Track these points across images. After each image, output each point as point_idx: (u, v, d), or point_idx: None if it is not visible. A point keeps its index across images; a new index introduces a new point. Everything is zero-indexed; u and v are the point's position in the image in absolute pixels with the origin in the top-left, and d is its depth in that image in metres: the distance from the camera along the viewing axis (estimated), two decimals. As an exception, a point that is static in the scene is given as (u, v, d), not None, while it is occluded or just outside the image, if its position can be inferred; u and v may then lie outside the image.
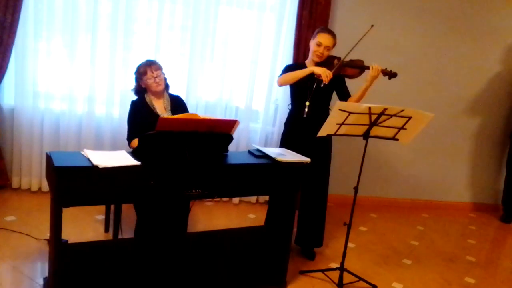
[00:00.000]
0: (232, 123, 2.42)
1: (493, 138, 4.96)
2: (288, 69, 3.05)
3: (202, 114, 3.67)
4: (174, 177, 2.22)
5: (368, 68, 2.85)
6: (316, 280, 2.93)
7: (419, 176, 4.80)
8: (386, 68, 2.84)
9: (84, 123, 3.80)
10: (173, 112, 2.92)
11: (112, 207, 3.20)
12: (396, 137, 2.69)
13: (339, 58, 2.98)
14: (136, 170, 2.10)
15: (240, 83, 4.08)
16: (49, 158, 2.08)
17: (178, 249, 2.35)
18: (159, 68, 2.87)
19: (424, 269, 3.35)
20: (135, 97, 2.98)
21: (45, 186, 3.80)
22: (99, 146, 3.87)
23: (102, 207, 3.67)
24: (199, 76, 3.96)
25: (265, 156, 2.60)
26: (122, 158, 2.15)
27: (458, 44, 4.58)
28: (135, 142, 2.77)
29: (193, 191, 2.29)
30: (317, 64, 2.98)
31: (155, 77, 2.83)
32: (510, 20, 4.67)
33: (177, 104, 3.00)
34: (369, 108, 2.42)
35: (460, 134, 4.85)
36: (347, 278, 2.86)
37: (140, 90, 2.94)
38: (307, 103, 2.96)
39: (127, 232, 3.06)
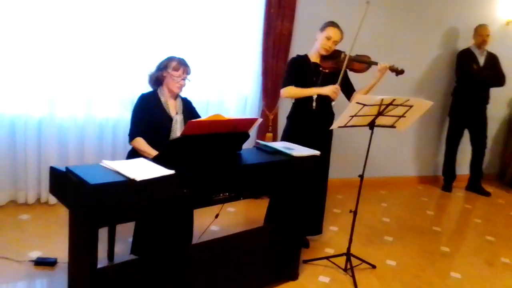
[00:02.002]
0: (253, 122, 2.36)
1: (434, 116, 5.41)
2: (293, 65, 3.03)
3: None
4: (204, 183, 2.12)
5: (375, 63, 2.93)
6: (320, 267, 3.00)
7: (374, 156, 5.09)
8: (393, 65, 2.94)
9: (44, 127, 3.42)
10: (186, 115, 2.75)
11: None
12: (394, 124, 2.83)
13: (344, 52, 3.02)
14: (170, 179, 1.96)
15: (209, 76, 3.94)
16: (72, 174, 1.85)
17: (185, 261, 2.23)
18: (189, 72, 2.71)
19: (405, 244, 3.60)
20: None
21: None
22: (63, 151, 3.51)
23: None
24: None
25: (278, 152, 2.57)
26: (152, 168, 1.98)
27: (403, 30, 4.87)
28: (139, 141, 2.58)
29: (221, 195, 2.21)
30: (323, 57, 3.00)
31: (182, 79, 2.64)
32: (448, 7, 5.08)
33: (189, 107, 2.85)
34: (382, 99, 2.51)
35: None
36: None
37: (157, 81, 2.72)
38: (315, 96, 2.97)
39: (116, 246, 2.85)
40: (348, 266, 2.92)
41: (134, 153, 2.62)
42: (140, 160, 2.12)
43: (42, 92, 3.35)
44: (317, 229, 3.30)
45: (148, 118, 2.62)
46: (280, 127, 4.22)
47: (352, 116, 2.56)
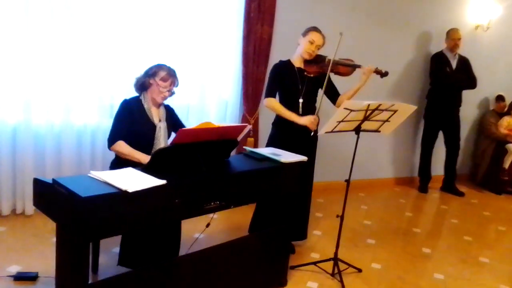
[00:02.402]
0: (241, 129, 2.33)
1: (409, 118, 5.47)
2: (276, 72, 3.03)
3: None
4: (196, 192, 2.08)
5: (359, 66, 2.96)
6: (307, 272, 3.00)
7: (350, 159, 5.15)
8: (377, 68, 2.98)
9: (20, 134, 3.28)
10: (169, 123, 2.70)
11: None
12: (379, 129, 2.86)
13: (327, 57, 3.04)
14: (161, 190, 1.91)
15: (190, 80, 3.88)
16: (59, 186, 1.77)
17: (175, 272, 2.18)
18: (176, 85, 2.66)
19: (388, 246, 3.65)
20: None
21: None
22: (39, 159, 3.39)
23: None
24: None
25: (266, 158, 2.56)
26: (143, 178, 1.93)
27: (378, 34, 4.95)
28: (121, 144, 2.51)
29: (212, 203, 2.17)
30: (307, 62, 3.00)
31: (167, 90, 2.59)
32: (422, 11, 5.21)
33: (171, 115, 2.80)
34: (368, 105, 2.53)
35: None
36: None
37: (142, 86, 2.65)
38: (301, 101, 2.97)
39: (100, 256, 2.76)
40: (336, 271, 2.93)
41: (117, 164, 2.55)
42: (129, 170, 2.06)
43: (17, 97, 3.21)
44: (302, 234, 3.30)
45: (131, 125, 2.57)
46: (261, 132, 4.22)
47: (339, 122, 2.58)
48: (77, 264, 1.76)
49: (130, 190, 1.77)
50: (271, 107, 3.03)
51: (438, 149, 5.54)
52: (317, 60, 3.04)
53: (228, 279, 2.43)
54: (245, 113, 4.14)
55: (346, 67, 3.03)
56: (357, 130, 2.75)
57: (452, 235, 4.10)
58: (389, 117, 2.75)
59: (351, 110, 2.50)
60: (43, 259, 2.81)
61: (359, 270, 3.11)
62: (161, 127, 2.68)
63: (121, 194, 1.76)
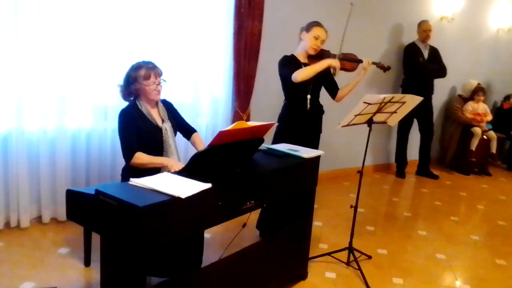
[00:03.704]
0: (269, 127, 2.33)
1: (385, 107, 5.72)
2: (288, 61, 3.01)
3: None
4: (235, 193, 2.06)
5: (361, 61, 3.02)
6: (322, 263, 3.06)
7: (334, 149, 5.29)
8: (379, 62, 3.06)
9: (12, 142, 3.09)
10: (172, 121, 2.63)
11: (83, 236, 2.72)
12: (387, 120, 2.96)
13: (329, 51, 3.07)
14: (208, 193, 1.88)
15: (182, 78, 3.80)
16: (105, 196, 1.71)
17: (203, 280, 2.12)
18: (161, 74, 2.53)
19: (386, 232, 3.79)
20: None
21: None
22: (34, 166, 3.21)
23: (60, 238, 3.13)
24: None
25: (287, 155, 2.57)
26: (187, 183, 1.89)
27: (354, 26, 5.01)
28: (140, 156, 2.43)
29: (248, 203, 2.17)
30: (311, 57, 3.02)
31: (157, 84, 2.48)
32: (393, 4, 5.39)
33: (171, 111, 2.73)
34: (384, 97, 2.61)
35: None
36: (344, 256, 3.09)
37: (131, 94, 2.55)
38: (309, 97, 2.99)
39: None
40: (352, 259, 3.02)
41: (131, 174, 2.47)
42: (166, 175, 2.01)
43: (8, 103, 3.02)
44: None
45: (137, 133, 2.48)
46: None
47: (356, 115, 2.64)
48: (133, 276, 1.71)
49: (183, 196, 1.74)
50: (304, 73, 2.88)
51: (411, 134, 5.79)
52: (322, 56, 3.08)
53: (255, 280, 2.43)
54: (238, 109, 4.12)
55: (352, 63, 3.09)
56: (370, 122, 2.82)
57: (440, 217, 4.31)
58: (397, 109, 2.85)
59: (369, 104, 2.57)
60: (55, 271, 2.69)
61: (369, 257, 3.21)
62: (167, 128, 2.62)
63: (174, 201, 1.72)
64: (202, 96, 3.98)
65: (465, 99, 6.35)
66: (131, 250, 1.68)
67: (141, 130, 2.50)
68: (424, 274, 3.09)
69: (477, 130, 6.07)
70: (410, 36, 5.57)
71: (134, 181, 1.86)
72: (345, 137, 5.26)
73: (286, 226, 2.61)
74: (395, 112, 2.88)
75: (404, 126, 5.65)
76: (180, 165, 2.34)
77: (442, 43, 5.82)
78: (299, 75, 2.90)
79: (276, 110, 3.25)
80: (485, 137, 6.16)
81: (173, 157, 2.59)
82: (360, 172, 2.97)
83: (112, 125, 3.45)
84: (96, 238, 2.66)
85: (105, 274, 1.86)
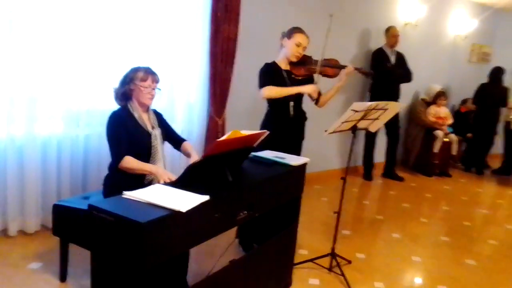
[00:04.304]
0: (260, 135, 2.30)
1: (353, 111, 5.82)
2: (268, 70, 2.97)
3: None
4: (229, 204, 2.02)
5: (344, 67, 3.03)
6: (305, 270, 3.07)
7: (303, 153, 5.31)
8: (361, 68, 3.09)
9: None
10: (162, 128, 2.57)
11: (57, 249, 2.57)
12: (368, 127, 3.00)
13: (311, 57, 3.07)
14: (205, 206, 1.82)
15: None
16: (100, 211, 1.61)
17: None
18: (158, 81, 2.51)
19: (362, 235, 3.85)
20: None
21: None
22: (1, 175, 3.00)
23: (30, 252, 2.94)
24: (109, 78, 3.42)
25: (275, 162, 2.55)
26: (184, 195, 1.82)
27: (323, 32, 5.12)
28: (129, 160, 2.34)
29: (241, 214, 2.13)
30: (293, 64, 3.00)
31: (152, 88, 2.42)
32: (360, 10, 5.50)
33: (161, 120, 2.69)
34: (370, 105, 2.64)
35: (330, 110, 5.54)
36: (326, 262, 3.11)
37: (124, 96, 2.48)
38: (292, 103, 2.97)
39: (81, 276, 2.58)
40: (334, 264, 3.04)
41: (115, 182, 2.38)
42: (159, 187, 1.93)
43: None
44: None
45: (127, 136, 2.41)
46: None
47: (343, 122, 2.66)
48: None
49: (183, 209, 1.67)
50: (271, 92, 2.90)
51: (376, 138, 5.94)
52: (304, 62, 3.07)
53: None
54: (213, 114, 4.05)
55: (334, 69, 3.10)
56: (354, 129, 2.85)
57: (410, 219, 4.44)
58: (379, 116, 2.90)
59: (356, 111, 2.59)
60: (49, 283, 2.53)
61: (349, 262, 3.25)
62: (156, 134, 2.58)
63: (175, 215, 1.65)
64: (177, 101, 3.89)
65: (428, 103, 6.59)
66: (130, 268, 1.60)
67: (131, 133, 2.44)
68: (403, 277, 3.17)
69: (439, 133, 6.32)
70: (377, 41, 5.71)
71: (128, 194, 1.77)
72: (314, 141, 5.30)
73: (274, 236, 2.58)
74: (377, 118, 2.93)
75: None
76: (168, 175, 2.27)
77: (407, 49, 6.00)
78: (267, 93, 2.91)
79: (251, 115, 3.23)
80: (446, 139, 6.42)
81: (159, 163, 2.53)
82: (344, 179, 2.99)
83: (85, 131, 3.29)
84: (71, 251, 2.54)
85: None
